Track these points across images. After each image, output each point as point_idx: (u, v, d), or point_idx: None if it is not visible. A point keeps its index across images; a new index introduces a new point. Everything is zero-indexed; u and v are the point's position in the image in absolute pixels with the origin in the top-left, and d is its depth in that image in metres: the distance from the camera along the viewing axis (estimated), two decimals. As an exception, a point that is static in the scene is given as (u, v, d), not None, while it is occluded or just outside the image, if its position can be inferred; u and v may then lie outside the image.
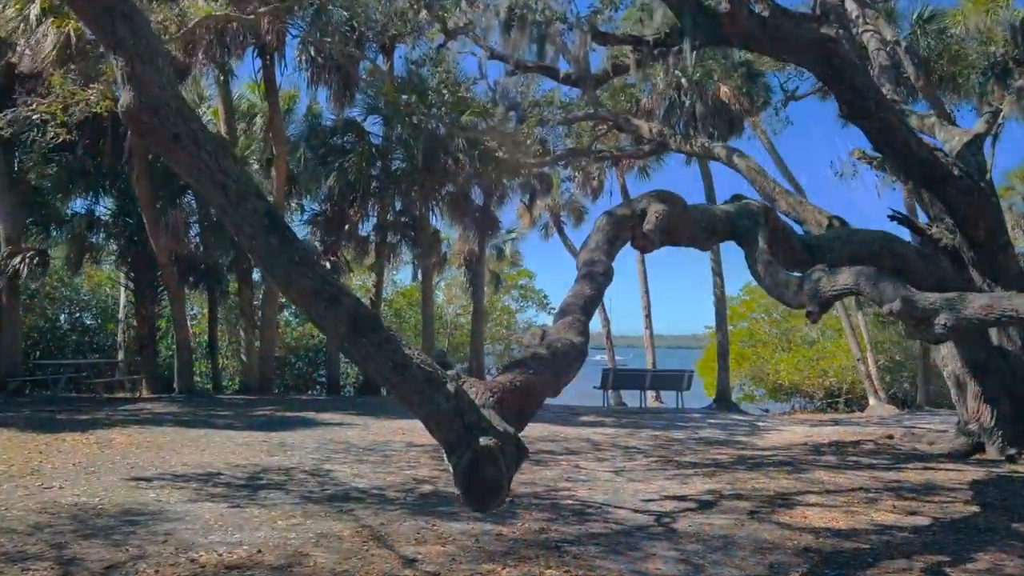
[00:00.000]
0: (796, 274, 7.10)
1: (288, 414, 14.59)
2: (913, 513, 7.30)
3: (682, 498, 7.88)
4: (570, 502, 7.49)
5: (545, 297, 38.92)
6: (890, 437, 12.87)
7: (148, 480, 7.81)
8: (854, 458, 10.79)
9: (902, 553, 5.88)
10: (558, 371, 3.78)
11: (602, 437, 12.58)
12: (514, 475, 3.29)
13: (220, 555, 5.30)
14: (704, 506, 7.51)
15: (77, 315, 25.60)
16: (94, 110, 13.25)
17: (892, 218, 11.96)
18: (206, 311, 22.14)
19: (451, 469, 3.11)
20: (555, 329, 4.49)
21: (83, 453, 9.30)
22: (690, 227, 6.71)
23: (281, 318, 29.11)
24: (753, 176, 13.74)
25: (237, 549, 5.44)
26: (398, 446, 10.83)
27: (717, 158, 14.36)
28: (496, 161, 17.70)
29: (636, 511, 7.22)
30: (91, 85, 13.30)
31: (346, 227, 19.13)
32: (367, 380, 20.63)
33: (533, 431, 13.03)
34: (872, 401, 26.63)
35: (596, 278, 5.43)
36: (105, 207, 18.69)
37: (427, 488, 7.96)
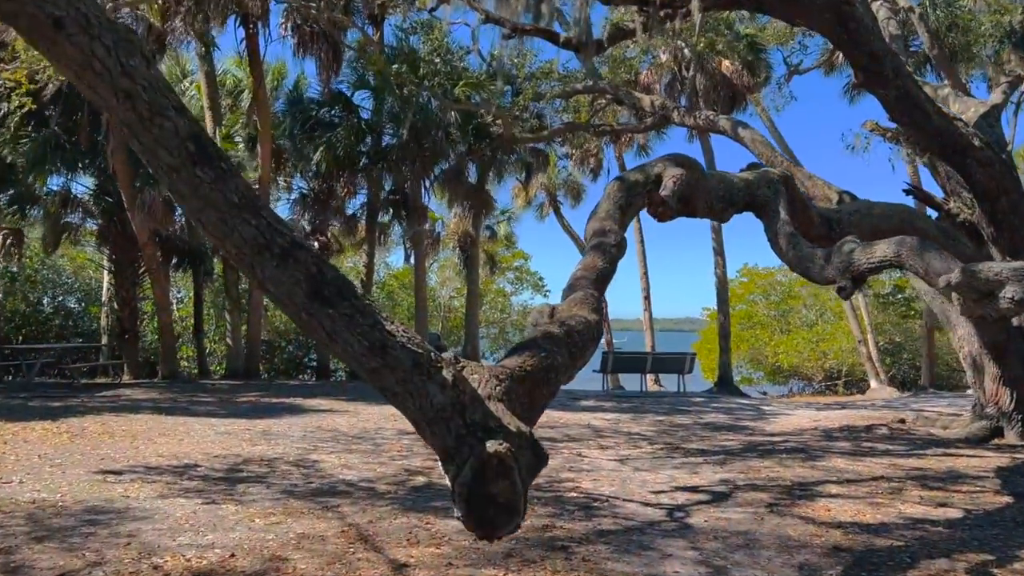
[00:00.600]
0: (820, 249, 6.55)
1: (274, 400, 13.99)
2: (943, 504, 6.80)
3: (694, 489, 7.35)
4: (574, 495, 6.95)
5: (541, 279, 38.38)
6: (902, 421, 12.39)
7: (117, 473, 7.22)
8: (868, 444, 10.29)
9: (941, 551, 5.36)
10: (574, 353, 3.17)
11: (603, 423, 12.05)
12: (529, 488, 2.63)
13: (187, 560, 4.73)
14: (718, 498, 6.99)
15: (60, 298, 24.88)
16: (63, 78, 12.39)
17: (908, 192, 11.41)
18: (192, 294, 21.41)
19: (448, 482, 2.38)
20: (565, 306, 3.90)
21: (51, 443, 8.70)
22: (707, 196, 6.12)
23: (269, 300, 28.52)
24: (759, 149, 13.16)
25: (208, 552, 4.88)
26: (389, 434, 10.26)
27: (721, 131, 13.75)
28: (490, 136, 16.98)
29: (646, 504, 6.69)
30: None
31: (334, 205, 18.33)
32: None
33: (531, 417, 12.48)
34: (873, 383, 26.23)
35: (608, 249, 4.84)
36: (83, 185, 17.92)
37: (420, 480, 7.41)
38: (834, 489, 7.39)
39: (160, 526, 5.46)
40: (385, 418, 11.65)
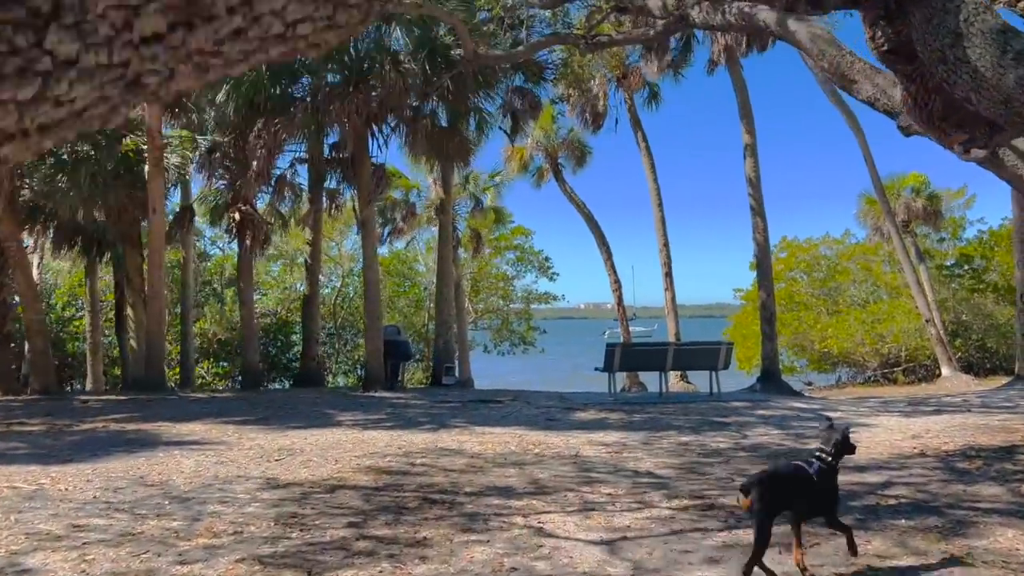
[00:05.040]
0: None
1: (130, 427, 9.76)
2: None
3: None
4: None
5: (547, 260, 33.60)
6: (1049, 436, 8.30)
7: None
8: (1031, 485, 6.22)
9: None
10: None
11: (600, 452, 8.07)
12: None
13: None
14: None
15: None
16: None
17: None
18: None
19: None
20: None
21: None
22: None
23: (228, 293, 24.67)
24: (821, 47, 9.05)
25: None
26: (241, 489, 6.42)
27: (762, 27, 9.61)
28: (450, 61, 12.95)
29: None
30: None
31: (257, 166, 14.15)
32: (304, 370, 16.09)
33: (492, 442, 8.52)
34: (945, 370, 21.88)
35: None
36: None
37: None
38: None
39: None
40: (267, 455, 7.82)
